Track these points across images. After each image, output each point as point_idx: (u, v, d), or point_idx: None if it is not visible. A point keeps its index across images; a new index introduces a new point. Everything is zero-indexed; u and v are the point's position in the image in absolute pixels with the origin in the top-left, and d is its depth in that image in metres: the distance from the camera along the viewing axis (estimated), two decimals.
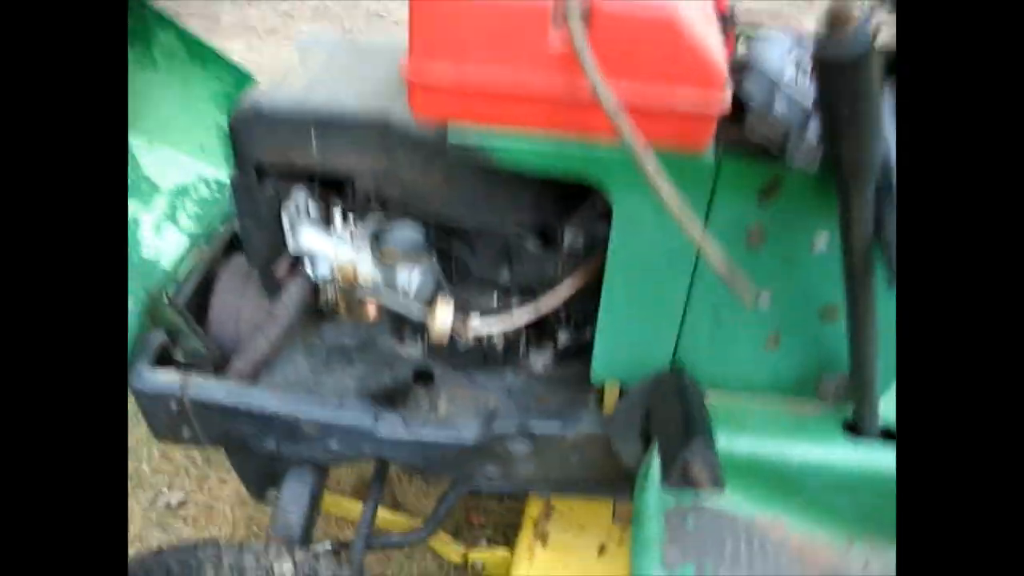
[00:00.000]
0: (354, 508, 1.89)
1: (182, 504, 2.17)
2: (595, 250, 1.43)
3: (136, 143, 1.93)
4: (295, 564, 1.34)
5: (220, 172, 1.96)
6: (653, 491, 1.35)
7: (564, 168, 1.20)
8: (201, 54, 1.84)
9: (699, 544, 1.34)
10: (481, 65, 1.12)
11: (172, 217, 1.85)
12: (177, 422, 1.51)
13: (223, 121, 1.90)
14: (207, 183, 1.95)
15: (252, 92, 1.40)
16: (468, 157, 1.21)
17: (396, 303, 1.39)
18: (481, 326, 1.45)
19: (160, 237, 1.80)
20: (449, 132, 1.19)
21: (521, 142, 1.18)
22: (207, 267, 1.71)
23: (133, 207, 1.83)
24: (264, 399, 1.46)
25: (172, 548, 1.37)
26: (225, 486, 2.20)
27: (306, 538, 1.56)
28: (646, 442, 1.40)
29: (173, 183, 1.91)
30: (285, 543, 1.47)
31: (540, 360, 1.63)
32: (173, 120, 1.93)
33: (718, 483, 1.15)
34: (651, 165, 1.05)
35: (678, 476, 1.16)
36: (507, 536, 2.04)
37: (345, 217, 1.45)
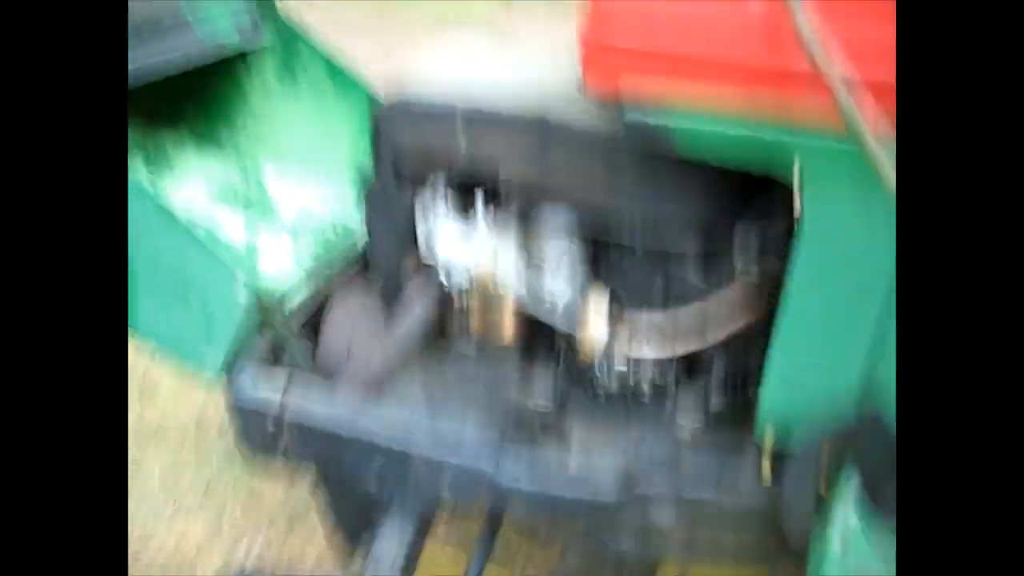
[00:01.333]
0: (454, 561, 1.64)
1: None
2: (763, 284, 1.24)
3: (268, 169, 1.86)
4: None
5: (347, 216, 1.84)
6: (834, 567, 1.09)
7: (754, 156, 1.03)
8: (341, 78, 1.77)
9: None
10: (668, 23, 0.99)
11: (292, 252, 1.73)
12: (272, 440, 1.35)
13: (357, 154, 1.83)
14: (334, 228, 1.83)
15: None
16: (641, 143, 1.06)
17: (541, 310, 1.21)
18: (638, 346, 1.25)
19: (275, 267, 1.68)
20: (626, 110, 1.05)
21: (708, 122, 1.02)
22: (321, 299, 1.57)
23: (253, 234, 1.72)
24: (371, 424, 1.28)
25: None
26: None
27: None
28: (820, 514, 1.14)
29: (298, 218, 1.80)
30: None
31: (688, 421, 1.40)
32: (306, 147, 1.85)
33: None
34: (874, 143, 0.88)
35: None
36: None
37: (486, 205, 1.31)
